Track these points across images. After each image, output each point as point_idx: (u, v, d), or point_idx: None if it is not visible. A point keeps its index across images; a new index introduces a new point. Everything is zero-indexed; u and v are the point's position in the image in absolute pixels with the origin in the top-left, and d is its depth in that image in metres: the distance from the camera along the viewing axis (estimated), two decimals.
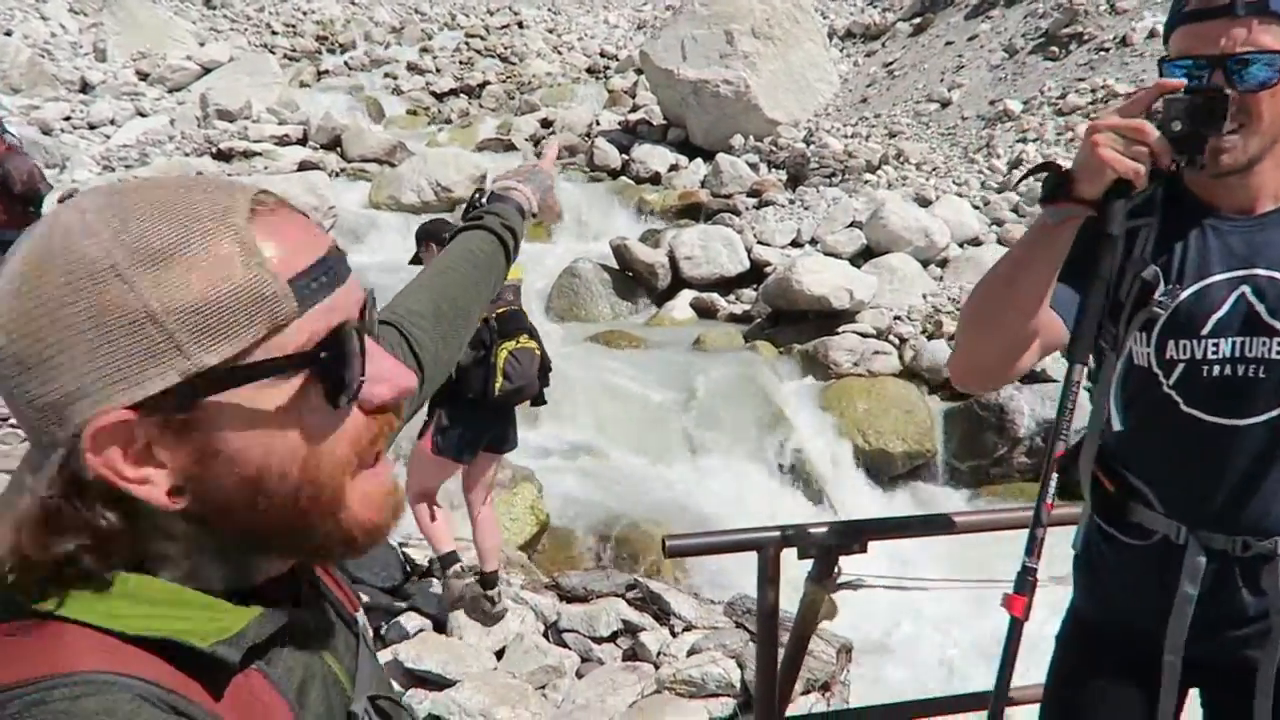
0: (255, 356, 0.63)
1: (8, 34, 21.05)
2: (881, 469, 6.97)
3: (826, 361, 7.67)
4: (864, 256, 9.22)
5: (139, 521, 0.64)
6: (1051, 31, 13.17)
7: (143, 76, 19.92)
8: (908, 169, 11.45)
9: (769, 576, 1.80)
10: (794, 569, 2.03)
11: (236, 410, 0.64)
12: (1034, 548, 1.41)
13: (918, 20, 16.31)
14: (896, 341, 7.93)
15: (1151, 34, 11.87)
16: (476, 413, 3.80)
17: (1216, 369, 1.42)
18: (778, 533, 1.81)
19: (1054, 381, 7.00)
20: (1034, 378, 7.11)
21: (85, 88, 18.82)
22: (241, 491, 0.66)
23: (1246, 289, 1.40)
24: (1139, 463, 1.54)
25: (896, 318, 8.18)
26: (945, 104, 13.19)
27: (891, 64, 15.46)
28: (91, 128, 16.04)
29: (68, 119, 16.19)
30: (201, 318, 0.61)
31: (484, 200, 1.36)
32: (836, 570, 1.82)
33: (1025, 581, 1.41)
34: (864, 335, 7.91)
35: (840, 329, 7.95)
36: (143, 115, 16.99)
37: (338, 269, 0.69)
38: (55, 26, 24.15)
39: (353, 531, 0.71)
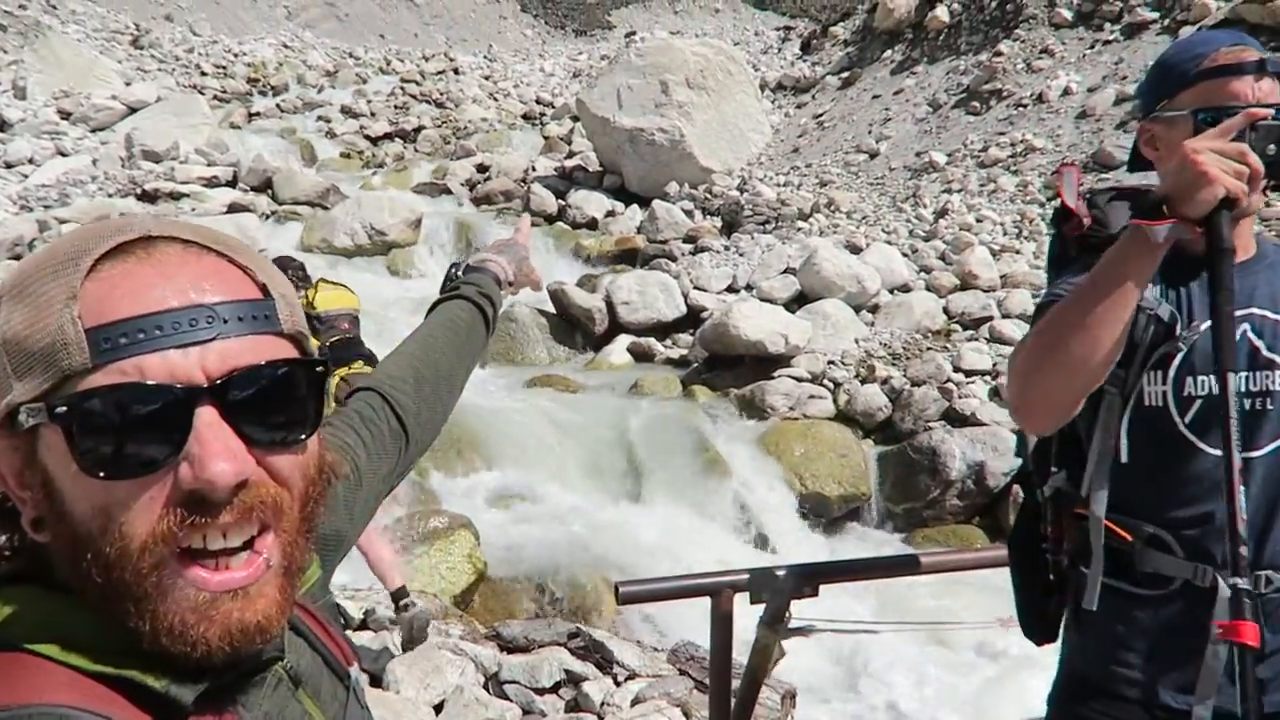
0: (51, 400, 0.61)
1: None
2: (819, 512, 7.03)
3: (763, 405, 7.75)
4: (798, 302, 9.37)
5: None
6: (973, 88, 13.69)
7: (65, 115, 19.41)
8: (839, 217, 11.72)
9: (722, 622, 1.79)
10: (743, 614, 2.03)
11: (49, 452, 0.62)
12: (1239, 566, 1.33)
13: (846, 74, 16.82)
14: (831, 386, 8.05)
15: (1066, 91, 12.42)
16: None
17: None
18: (730, 578, 1.81)
19: (984, 424, 7.17)
20: (964, 420, 7.27)
21: (2, 126, 18.26)
22: (73, 544, 0.62)
23: (1247, 326, 1.48)
24: (1153, 507, 1.50)
25: (830, 362, 8.31)
26: (873, 155, 13.58)
27: (821, 116, 15.89)
28: (8, 166, 15.54)
29: None
30: (19, 352, 0.61)
31: (460, 272, 1.38)
32: (788, 615, 1.82)
33: (1243, 604, 1.31)
34: (799, 379, 8.01)
35: (776, 373, 8.05)
36: (64, 155, 16.53)
37: (184, 326, 0.62)
38: None
39: (159, 633, 0.61)
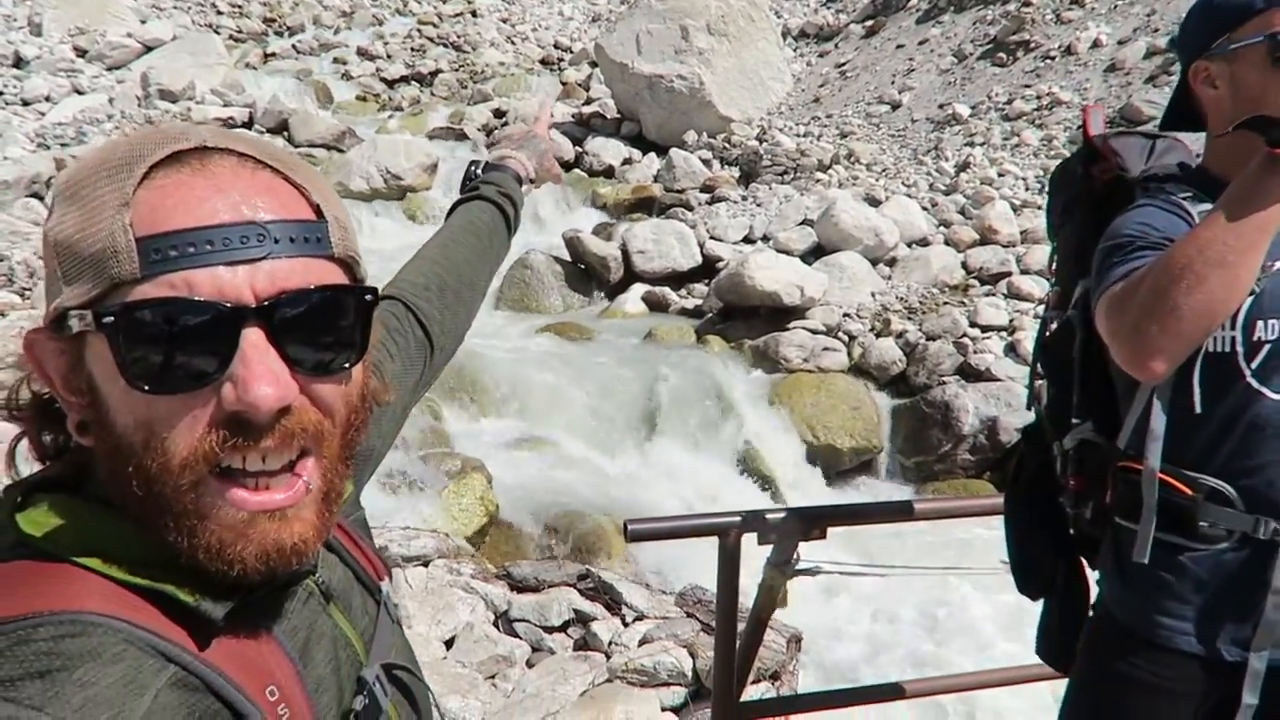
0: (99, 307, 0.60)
1: None
2: (830, 464, 7.06)
3: (777, 357, 7.74)
4: (815, 254, 9.30)
5: None
6: (999, 38, 13.42)
7: (81, 53, 19.31)
8: (858, 169, 11.58)
9: (730, 561, 1.80)
10: (750, 558, 2.05)
11: (96, 359, 0.62)
12: None
13: (870, 23, 16.50)
14: (845, 338, 8.02)
15: (1095, 44, 12.16)
16: None
17: None
18: (739, 518, 1.82)
19: (998, 380, 7.15)
20: (979, 376, 7.25)
21: (19, 63, 18.19)
22: (116, 454, 0.62)
23: None
24: (1214, 459, 1.45)
25: (846, 315, 8.28)
26: (896, 106, 13.37)
27: (844, 65, 15.62)
28: (25, 104, 15.53)
29: (0, 94, 15.65)
30: (70, 256, 0.61)
31: (480, 170, 1.35)
32: (795, 556, 1.84)
33: None
34: (814, 332, 7.99)
35: (790, 325, 8.02)
36: (80, 93, 16.49)
37: (234, 243, 0.61)
38: None
39: (195, 550, 0.62)
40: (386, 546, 3.75)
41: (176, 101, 15.62)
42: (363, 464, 0.92)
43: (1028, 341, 7.30)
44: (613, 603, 3.94)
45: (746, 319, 8.40)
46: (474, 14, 30.93)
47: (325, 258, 0.66)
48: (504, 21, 30.40)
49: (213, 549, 0.61)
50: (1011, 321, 7.74)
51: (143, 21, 22.53)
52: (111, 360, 0.60)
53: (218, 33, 24.07)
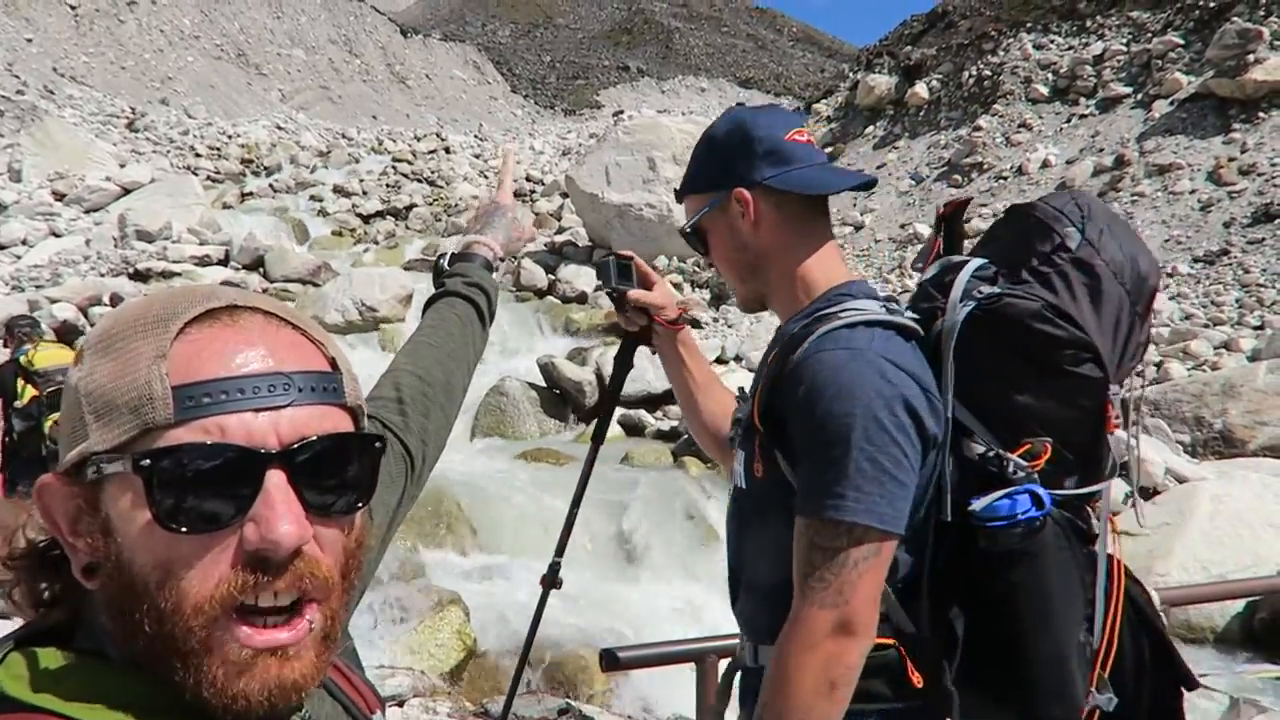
0: (122, 454, 0.63)
1: None
2: None
3: None
4: None
5: None
6: (954, 161, 14.00)
7: (59, 197, 19.63)
8: None
9: (709, 688, 1.75)
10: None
11: (116, 501, 0.64)
12: None
13: (829, 150, 17.18)
14: None
15: (1045, 164, 12.72)
16: (35, 468, 4.88)
17: None
18: (716, 643, 1.78)
19: None
20: None
21: None
22: (128, 594, 0.63)
23: None
24: None
25: None
26: (859, 227, 13.80)
27: None
28: (2, 248, 15.67)
29: None
30: (100, 403, 0.64)
31: (447, 263, 1.36)
32: None
33: None
34: None
35: None
36: (57, 235, 16.66)
37: (263, 391, 0.64)
38: None
39: (201, 687, 0.63)
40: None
41: (153, 241, 15.83)
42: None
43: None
44: None
45: None
46: (447, 150, 31.97)
47: (340, 406, 0.70)
48: (476, 157, 31.42)
49: (217, 684, 0.63)
50: None
51: (122, 165, 23.04)
52: (133, 501, 0.62)
53: (196, 174, 24.64)
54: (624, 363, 1.80)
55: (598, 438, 1.94)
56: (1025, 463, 1.31)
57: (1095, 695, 1.38)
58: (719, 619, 6.17)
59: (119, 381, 0.63)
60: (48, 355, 5.53)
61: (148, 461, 0.61)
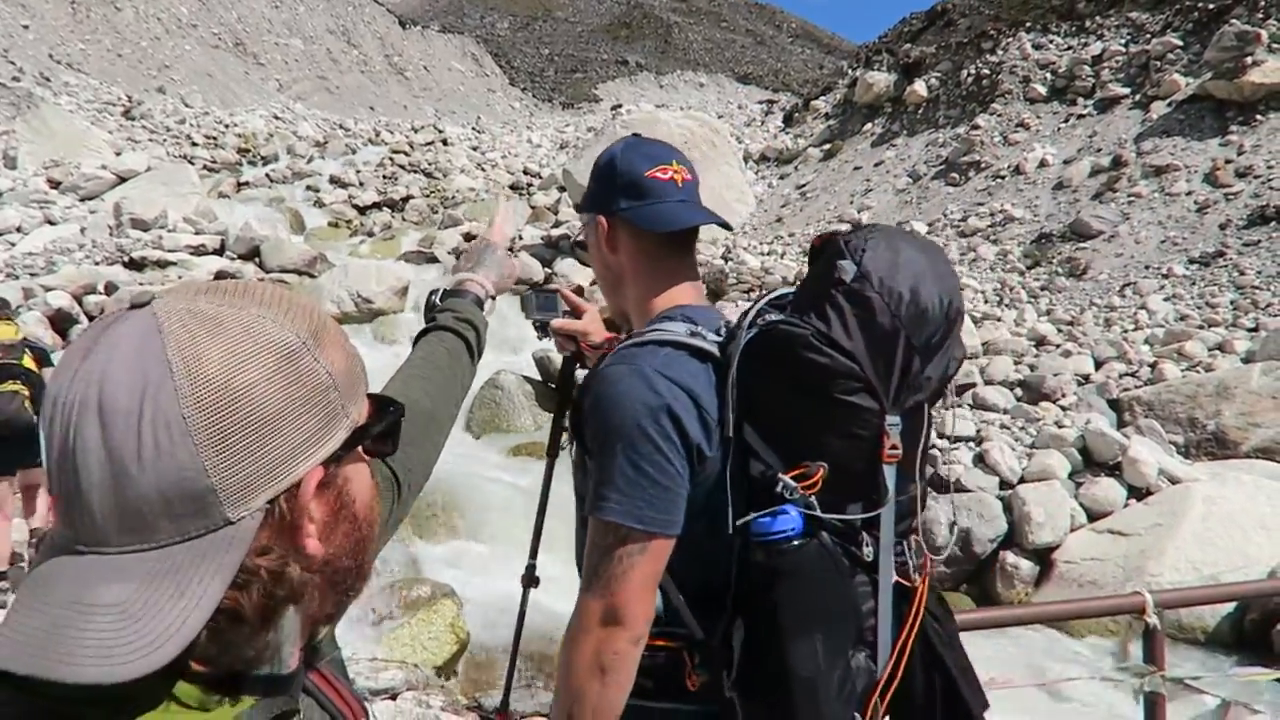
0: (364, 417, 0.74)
1: None
2: None
3: None
4: None
5: None
6: (951, 159, 14.01)
7: (54, 185, 19.56)
8: None
9: None
10: None
11: (355, 460, 0.74)
12: None
13: (827, 146, 17.18)
14: None
15: (1042, 163, 12.73)
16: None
17: None
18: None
19: (969, 490, 7.18)
20: (949, 487, 7.27)
21: None
22: (352, 536, 0.73)
23: None
24: None
25: None
26: (856, 225, 13.80)
27: (804, 186, 16.18)
28: None
29: None
30: (350, 381, 0.72)
31: (439, 299, 1.38)
32: None
33: None
34: None
35: None
36: (52, 223, 16.61)
37: None
38: None
39: (361, 585, 0.77)
40: (354, 679, 3.63)
41: (148, 230, 15.78)
42: (339, 607, 0.95)
43: (995, 452, 7.36)
44: None
45: None
46: (445, 143, 31.89)
47: None
48: (474, 149, 31.35)
49: (365, 582, 0.78)
50: (979, 432, 7.82)
51: (118, 154, 22.97)
52: (360, 455, 0.74)
53: (192, 163, 24.54)
54: (567, 381, 1.91)
55: (552, 452, 2.01)
56: (795, 484, 1.36)
57: None
58: None
59: (353, 364, 0.74)
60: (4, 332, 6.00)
61: (396, 415, 0.77)
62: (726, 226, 1.73)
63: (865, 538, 1.43)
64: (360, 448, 0.73)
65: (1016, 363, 8.88)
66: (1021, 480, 7.22)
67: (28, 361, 6.13)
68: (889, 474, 1.41)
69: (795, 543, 1.36)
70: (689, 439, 1.37)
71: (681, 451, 1.36)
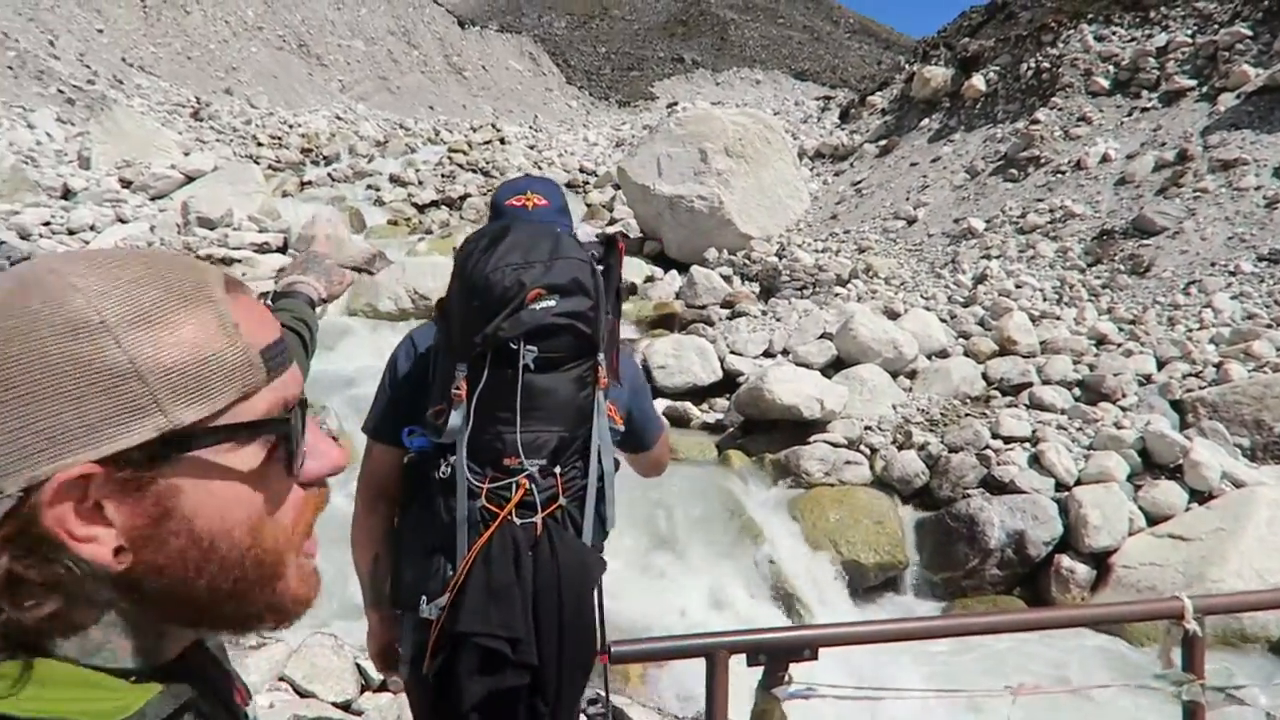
0: (224, 420, 0.66)
1: None
2: (855, 580, 6.92)
3: (798, 471, 7.69)
4: (834, 367, 9.35)
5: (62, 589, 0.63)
6: (1010, 155, 13.74)
7: (125, 184, 20.19)
8: (876, 283, 11.74)
9: (718, 684, 1.77)
10: (749, 677, 2.00)
11: (200, 471, 0.65)
12: None
13: (883, 142, 16.97)
14: (867, 451, 7.98)
15: (1104, 159, 12.42)
16: None
17: None
18: (726, 638, 1.79)
19: (1024, 492, 7.06)
20: (1003, 488, 7.16)
21: (67, 194, 19.02)
22: (188, 554, 0.66)
23: None
24: None
25: (867, 428, 8.26)
26: (911, 221, 13.63)
27: (860, 183, 16.01)
28: (71, 233, 16.15)
29: (47, 224, 16.31)
30: (183, 378, 0.63)
31: (270, 300, 1.42)
32: (788, 678, 1.80)
33: None
34: (835, 445, 7.96)
35: (811, 439, 8.01)
36: (123, 221, 17.15)
37: (287, 350, 0.74)
38: (41, 135, 24.56)
39: (285, 603, 0.73)
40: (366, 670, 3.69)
41: (215, 228, 16.20)
42: None
43: (1051, 453, 7.23)
44: None
45: (767, 433, 8.40)
46: (502, 141, 32.21)
47: None
48: (531, 148, 31.59)
49: (298, 597, 0.73)
50: (1034, 432, 7.68)
51: (186, 154, 23.62)
52: (230, 466, 0.67)
53: (257, 163, 25.14)
54: None
55: None
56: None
57: (424, 604, 1.81)
58: (751, 614, 6.18)
59: (200, 352, 0.64)
60: None
61: (288, 419, 0.70)
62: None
63: (441, 462, 1.83)
64: (203, 456, 0.65)
65: (1075, 362, 8.70)
66: (1078, 482, 7.08)
67: None
68: (455, 413, 1.78)
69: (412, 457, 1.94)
70: (396, 374, 2.15)
71: (390, 384, 2.14)
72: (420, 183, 24.54)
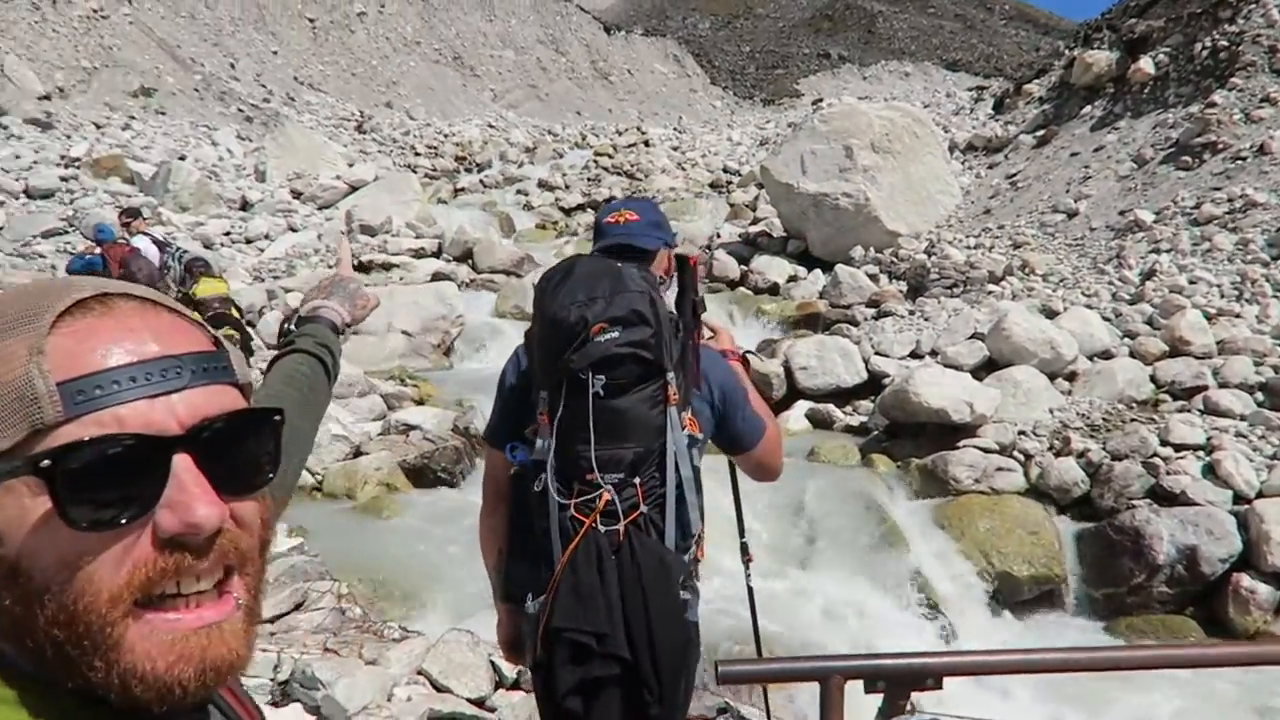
0: (20, 453, 0.60)
1: (181, 158, 23.20)
2: (1007, 593, 6.60)
3: (946, 477, 7.41)
4: (986, 369, 8.97)
5: None
6: (1183, 141, 12.82)
7: (296, 195, 21.51)
8: (1033, 280, 11.19)
9: (831, 710, 1.70)
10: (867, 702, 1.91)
11: (4, 508, 0.60)
12: None
13: (1041, 133, 16.16)
14: (1021, 458, 7.61)
15: None
16: None
17: None
18: (841, 663, 1.72)
19: (1196, 505, 6.57)
20: (1173, 499, 6.68)
21: (245, 205, 20.44)
22: (25, 601, 0.60)
23: None
24: None
25: (1021, 433, 7.87)
26: (1072, 215, 12.91)
27: (1015, 176, 15.30)
28: (248, 242, 17.34)
29: (227, 234, 17.57)
30: None
31: (293, 325, 1.39)
32: (910, 707, 1.71)
33: None
34: (986, 450, 7.62)
35: (960, 443, 7.69)
36: (294, 230, 18.27)
37: (155, 377, 0.64)
38: (223, 151, 26.50)
39: (128, 682, 0.61)
40: (526, 670, 3.74)
41: (375, 235, 17.03)
42: None
43: (1229, 462, 6.70)
44: None
45: (913, 437, 8.14)
46: (647, 144, 32.50)
47: (231, 384, 0.70)
48: (675, 149, 31.74)
49: (150, 675, 0.61)
50: (1209, 440, 7.13)
51: (350, 165, 24.93)
52: (27, 505, 0.60)
53: (415, 172, 26.31)
54: None
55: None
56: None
57: (530, 600, 2.01)
58: (900, 623, 5.98)
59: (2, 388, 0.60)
60: (206, 287, 7.03)
61: (48, 462, 0.59)
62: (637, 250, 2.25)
63: (538, 476, 2.01)
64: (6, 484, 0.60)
65: (1258, 364, 8.02)
66: (1260, 494, 6.53)
67: (234, 312, 7.59)
68: (541, 436, 1.99)
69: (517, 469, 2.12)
70: (504, 384, 2.31)
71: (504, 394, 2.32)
72: (567, 186, 25.08)
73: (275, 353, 1.39)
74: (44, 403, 0.60)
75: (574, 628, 1.95)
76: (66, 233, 16.30)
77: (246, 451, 0.68)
